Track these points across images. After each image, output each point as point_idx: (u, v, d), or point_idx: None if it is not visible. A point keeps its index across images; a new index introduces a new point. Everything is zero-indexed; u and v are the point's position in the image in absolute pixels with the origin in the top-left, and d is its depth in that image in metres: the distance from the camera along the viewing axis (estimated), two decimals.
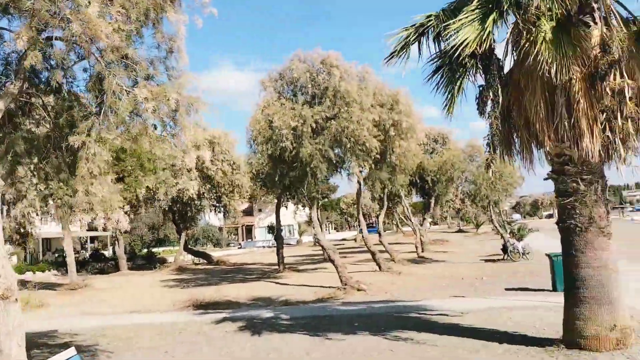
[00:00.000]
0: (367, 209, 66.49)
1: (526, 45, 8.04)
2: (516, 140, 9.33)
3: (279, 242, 27.56)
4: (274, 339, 11.12)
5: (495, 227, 31.78)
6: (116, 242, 33.59)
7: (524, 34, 8.06)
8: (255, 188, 33.65)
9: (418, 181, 33.51)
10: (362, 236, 23.60)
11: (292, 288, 20.29)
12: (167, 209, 32.76)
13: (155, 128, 7.33)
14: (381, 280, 20.55)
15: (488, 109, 8.79)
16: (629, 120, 7.54)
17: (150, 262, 37.34)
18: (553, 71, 7.60)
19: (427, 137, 33.46)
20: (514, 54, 8.88)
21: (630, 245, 23.57)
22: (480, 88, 8.84)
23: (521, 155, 9.27)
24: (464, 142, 34.72)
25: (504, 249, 25.83)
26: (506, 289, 16.05)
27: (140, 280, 27.79)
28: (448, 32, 7.97)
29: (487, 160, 9.29)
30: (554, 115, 8.26)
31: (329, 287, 18.87)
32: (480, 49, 7.77)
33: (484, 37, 7.71)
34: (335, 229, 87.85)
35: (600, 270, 8.21)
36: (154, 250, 45.67)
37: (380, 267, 22.92)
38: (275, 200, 29.81)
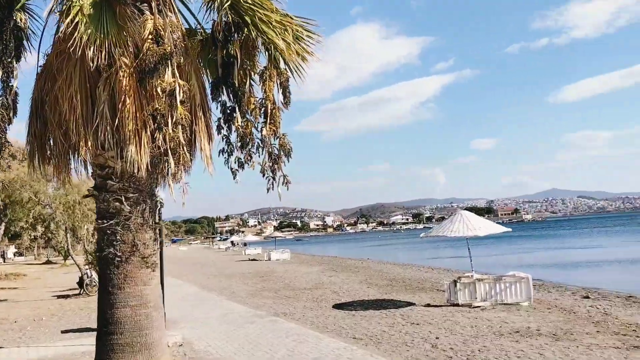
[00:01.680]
0: None
1: (61, 17, 6.10)
2: (51, 142, 7.15)
3: None
4: None
5: (71, 257, 28.43)
6: None
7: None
8: None
9: None
10: None
11: None
12: None
13: None
14: None
15: None
16: (180, 127, 6.37)
17: None
18: (90, 53, 5.87)
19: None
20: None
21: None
22: None
23: (56, 163, 7.13)
24: None
25: (80, 283, 22.84)
26: (63, 331, 13.36)
27: None
28: None
29: None
30: (94, 113, 6.50)
31: None
32: None
33: None
34: None
35: (139, 309, 6.72)
36: None
37: None
38: None
